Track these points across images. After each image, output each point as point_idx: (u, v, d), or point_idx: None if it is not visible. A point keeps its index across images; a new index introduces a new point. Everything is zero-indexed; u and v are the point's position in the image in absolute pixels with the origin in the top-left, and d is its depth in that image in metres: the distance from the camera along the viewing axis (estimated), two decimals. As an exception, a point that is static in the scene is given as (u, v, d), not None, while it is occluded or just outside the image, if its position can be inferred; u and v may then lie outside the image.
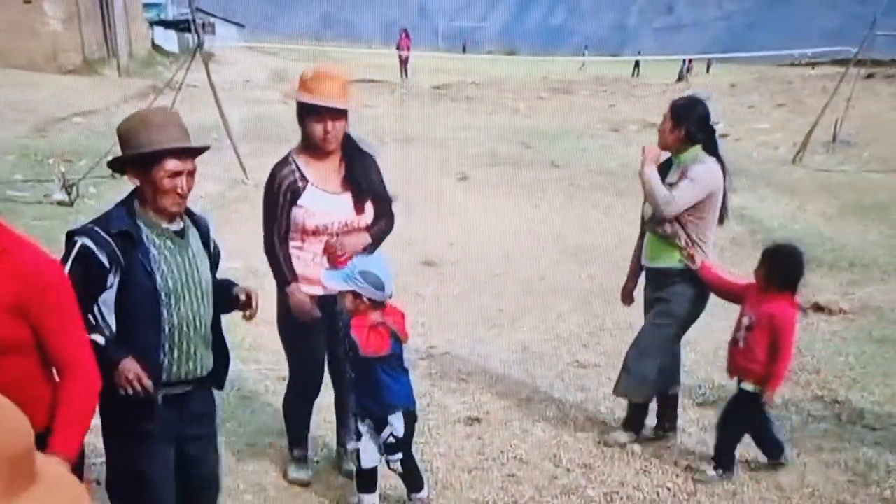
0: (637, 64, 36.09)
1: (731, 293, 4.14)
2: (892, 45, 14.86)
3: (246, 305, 2.86)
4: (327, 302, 3.62)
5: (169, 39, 32.83)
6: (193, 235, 2.76)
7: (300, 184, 3.55)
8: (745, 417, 4.10)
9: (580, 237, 9.19)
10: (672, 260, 4.20)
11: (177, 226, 2.69)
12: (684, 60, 35.03)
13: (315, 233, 3.59)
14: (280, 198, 3.55)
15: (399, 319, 3.44)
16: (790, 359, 3.92)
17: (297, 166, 3.59)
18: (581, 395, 5.15)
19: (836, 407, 4.94)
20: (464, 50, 41.70)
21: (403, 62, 29.20)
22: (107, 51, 23.41)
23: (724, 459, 4.12)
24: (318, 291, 3.60)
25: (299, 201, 3.55)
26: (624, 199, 9.79)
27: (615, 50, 51.49)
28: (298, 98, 3.54)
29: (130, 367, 2.50)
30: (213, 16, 35.30)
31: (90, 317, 2.52)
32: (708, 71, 36.36)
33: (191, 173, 2.63)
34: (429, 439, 4.50)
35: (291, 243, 3.63)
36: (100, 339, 2.49)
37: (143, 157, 2.55)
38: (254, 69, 27.48)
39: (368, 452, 3.59)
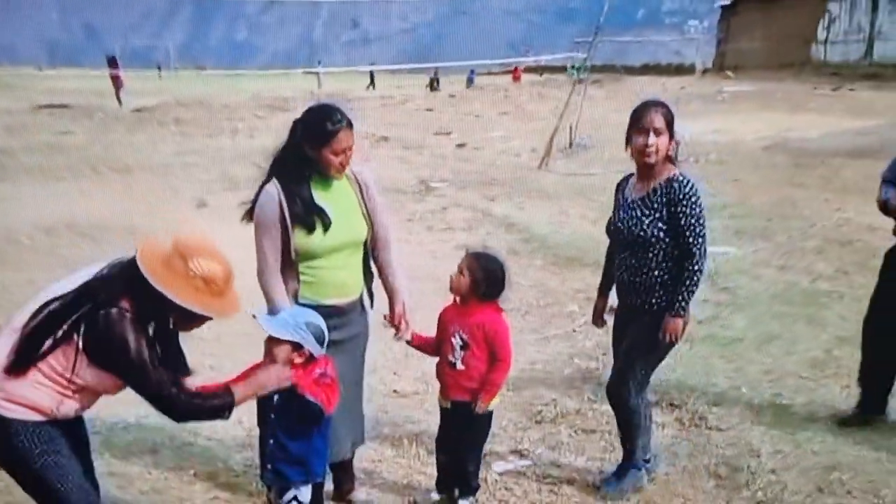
0: (372, 76, 36.07)
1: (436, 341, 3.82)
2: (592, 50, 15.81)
3: None
4: (67, 425, 2.74)
5: None
6: None
7: None
8: (482, 438, 3.85)
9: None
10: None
11: None
12: (472, 70, 35.78)
13: None
14: None
15: (331, 365, 3.15)
16: (510, 364, 3.70)
17: None
18: (412, 427, 4.80)
19: (675, 412, 4.94)
20: (159, 69, 39.38)
21: (118, 87, 26.86)
22: None
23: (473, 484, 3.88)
24: (38, 418, 2.64)
25: None
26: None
27: (306, 64, 51.85)
28: None
29: None
30: None
31: None
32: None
33: None
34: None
35: None
36: None
37: None
38: None
39: None
